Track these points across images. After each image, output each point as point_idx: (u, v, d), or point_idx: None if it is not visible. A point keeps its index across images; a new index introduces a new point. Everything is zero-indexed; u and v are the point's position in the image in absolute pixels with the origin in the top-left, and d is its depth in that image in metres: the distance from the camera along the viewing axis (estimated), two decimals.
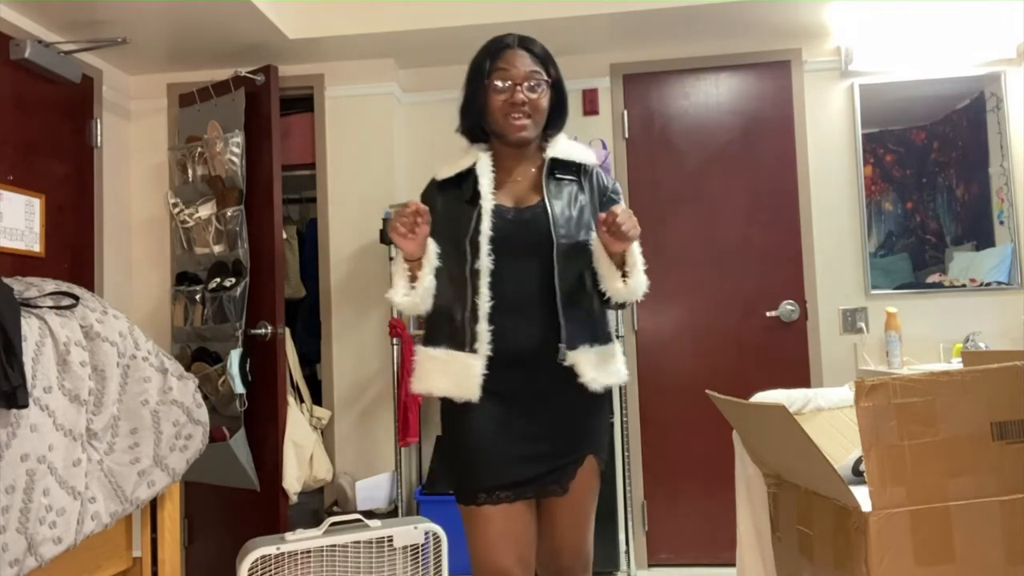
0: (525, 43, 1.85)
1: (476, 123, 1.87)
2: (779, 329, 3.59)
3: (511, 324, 1.74)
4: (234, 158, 3.33)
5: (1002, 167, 3.54)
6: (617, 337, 1.97)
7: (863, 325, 3.56)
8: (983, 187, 3.58)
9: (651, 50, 3.70)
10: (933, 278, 3.58)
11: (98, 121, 3.51)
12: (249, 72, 3.40)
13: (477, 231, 1.75)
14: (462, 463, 1.78)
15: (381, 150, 3.70)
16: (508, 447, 1.74)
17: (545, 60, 1.85)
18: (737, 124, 3.68)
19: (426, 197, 1.90)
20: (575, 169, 1.87)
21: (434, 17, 3.37)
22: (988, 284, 3.51)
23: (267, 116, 3.36)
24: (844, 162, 3.63)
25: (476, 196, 1.79)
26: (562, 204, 1.80)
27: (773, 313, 3.59)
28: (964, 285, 3.53)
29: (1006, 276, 3.50)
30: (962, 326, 3.47)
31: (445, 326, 1.79)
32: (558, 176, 1.84)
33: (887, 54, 3.55)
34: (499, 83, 1.80)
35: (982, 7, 3.35)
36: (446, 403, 1.81)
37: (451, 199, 1.85)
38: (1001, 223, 3.54)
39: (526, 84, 1.80)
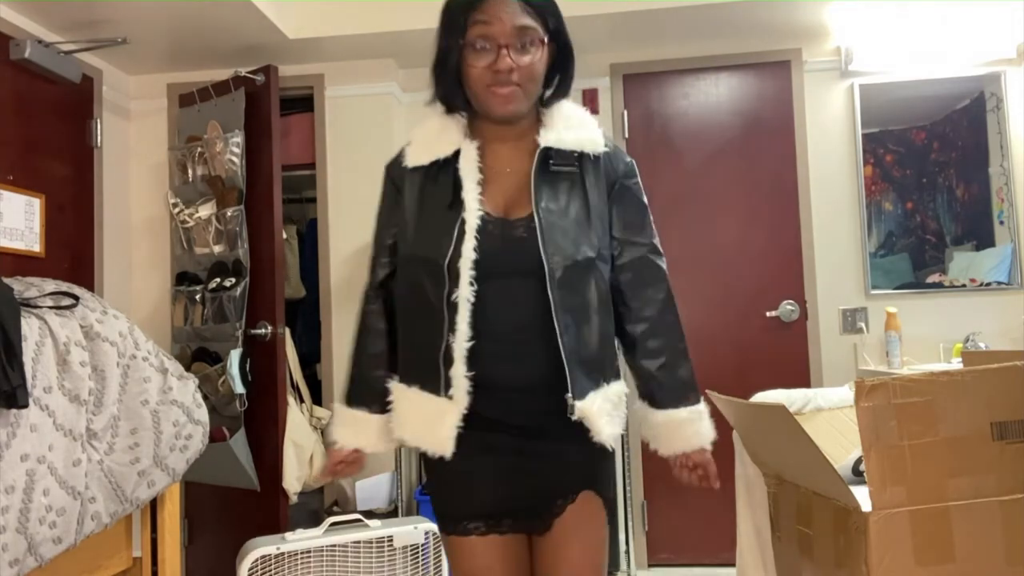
0: None
1: (453, 89, 1.50)
2: (779, 329, 3.59)
3: (495, 363, 1.43)
4: (234, 158, 3.33)
5: (1002, 167, 3.54)
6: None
7: (863, 325, 3.56)
8: (983, 187, 3.58)
9: (651, 50, 3.70)
10: (933, 278, 3.58)
11: (98, 121, 3.51)
12: (249, 72, 3.39)
13: (458, 254, 1.41)
14: (436, 490, 1.56)
15: (381, 150, 3.67)
16: (484, 480, 1.49)
17: (542, 8, 1.45)
18: (737, 124, 3.68)
19: (395, 180, 1.57)
20: (576, 154, 1.50)
21: (434, 17, 3.35)
22: (988, 284, 3.51)
23: (267, 116, 3.36)
24: (844, 162, 3.62)
25: (458, 202, 1.45)
26: (557, 209, 1.45)
27: (773, 313, 3.59)
28: (964, 285, 3.53)
29: (1006, 276, 3.50)
30: (962, 326, 3.46)
31: (417, 364, 1.49)
32: (554, 168, 1.47)
33: (887, 54, 3.55)
34: (478, 43, 1.43)
35: (982, 7, 3.35)
36: None
37: (426, 194, 1.51)
38: (1001, 223, 3.54)
39: (514, 44, 1.42)
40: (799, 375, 3.54)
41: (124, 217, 3.71)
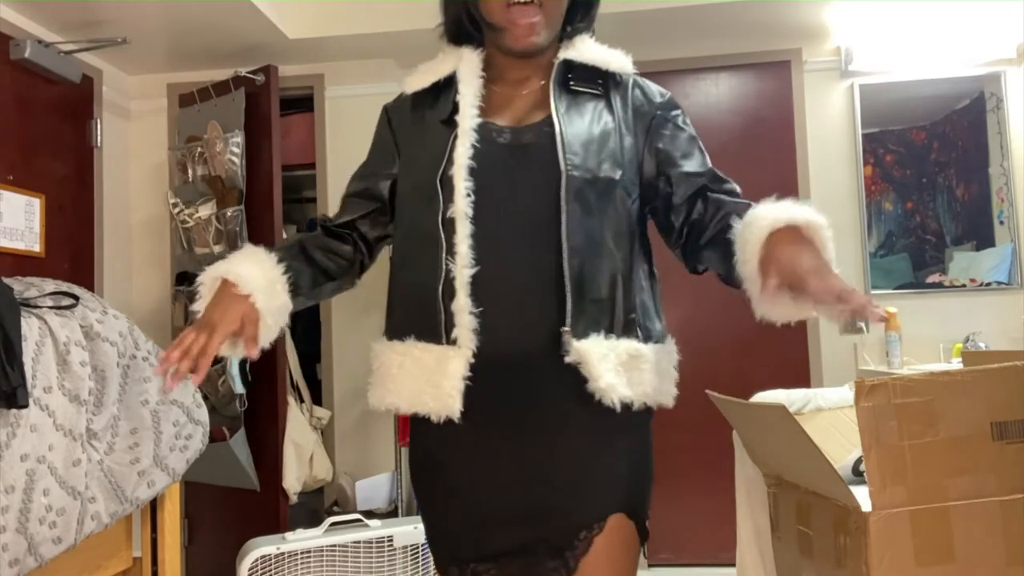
0: None
1: (463, 18, 1.35)
2: (779, 329, 3.58)
3: (502, 303, 1.18)
4: (234, 158, 3.33)
5: (1002, 167, 3.54)
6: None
7: (863, 325, 3.56)
8: (983, 187, 3.58)
9: (651, 50, 3.70)
10: (933, 278, 3.58)
11: (98, 121, 3.50)
12: (249, 72, 3.39)
13: (451, 162, 1.21)
14: (428, 519, 1.32)
15: None
16: (488, 501, 1.21)
17: None
18: (737, 124, 3.68)
19: (394, 119, 1.39)
20: (601, 80, 1.32)
21: (434, 17, 3.36)
22: (988, 284, 3.51)
23: (267, 116, 3.36)
24: (844, 162, 3.62)
25: (454, 110, 1.27)
26: (582, 123, 1.25)
27: None
28: (964, 285, 3.53)
29: (1006, 276, 3.50)
30: (962, 326, 3.46)
31: (410, 307, 1.26)
32: (575, 87, 1.29)
33: (887, 54, 3.55)
34: None
35: (982, 7, 3.35)
36: (415, 417, 1.26)
37: (423, 120, 1.33)
38: (1001, 223, 3.54)
39: None
40: (799, 375, 3.54)
41: (124, 217, 3.71)
